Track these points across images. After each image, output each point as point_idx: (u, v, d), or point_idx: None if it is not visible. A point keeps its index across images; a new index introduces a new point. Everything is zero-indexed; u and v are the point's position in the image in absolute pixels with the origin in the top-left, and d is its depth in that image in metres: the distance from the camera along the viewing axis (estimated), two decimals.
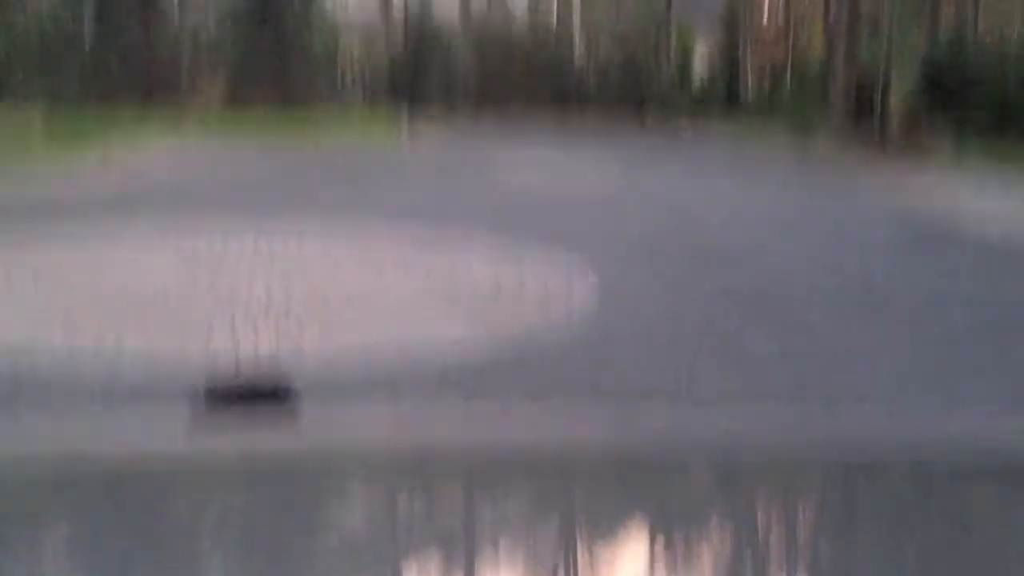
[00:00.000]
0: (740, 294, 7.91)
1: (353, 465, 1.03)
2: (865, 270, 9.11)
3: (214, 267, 8.24)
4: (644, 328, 6.76)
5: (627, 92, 32.81)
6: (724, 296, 7.75)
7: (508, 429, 1.19)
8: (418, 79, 31.47)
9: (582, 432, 1.15)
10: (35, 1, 26.07)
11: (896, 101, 26.38)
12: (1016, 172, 18.02)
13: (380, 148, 21.41)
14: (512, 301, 7.37)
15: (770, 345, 6.36)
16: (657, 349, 6.28)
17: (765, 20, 36.43)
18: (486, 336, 6.35)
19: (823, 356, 6.23)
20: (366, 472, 1.02)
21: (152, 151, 17.94)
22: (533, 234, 10.04)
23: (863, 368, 5.93)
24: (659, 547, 0.87)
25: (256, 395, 1.14)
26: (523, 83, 32.36)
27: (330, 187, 14.91)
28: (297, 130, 22.30)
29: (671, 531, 0.91)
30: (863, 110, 25.76)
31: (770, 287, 8.24)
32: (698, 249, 10.15)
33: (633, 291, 7.87)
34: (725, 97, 32.14)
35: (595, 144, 24.18)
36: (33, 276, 7.75)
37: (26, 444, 0.98)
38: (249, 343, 6.02)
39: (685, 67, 35.15)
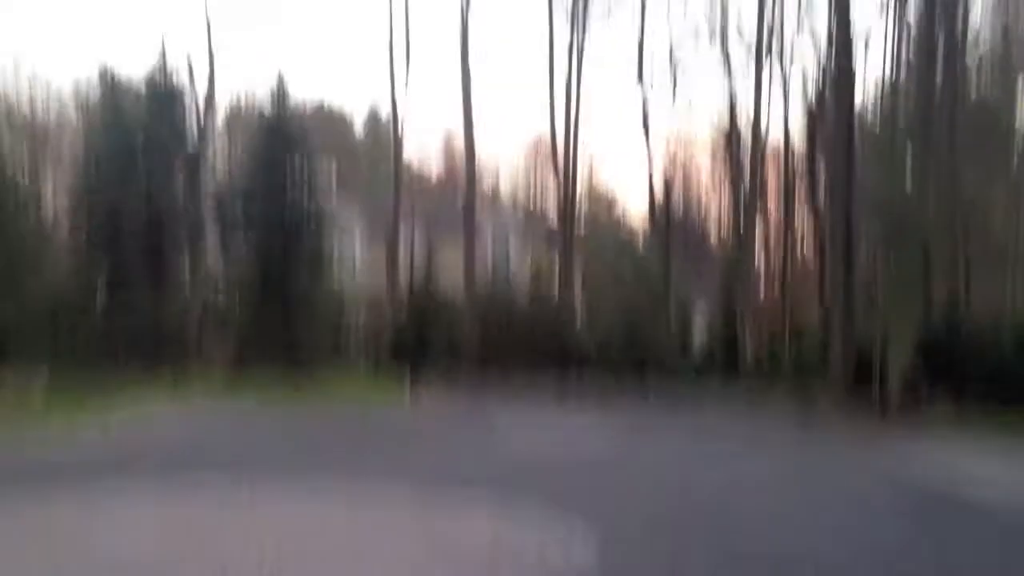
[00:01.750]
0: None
1: None
2: (864, 535, 8.98)
3: (205, 534, 8.08)
4: None
5: (628, 358, 33.25)
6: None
7: None
8: (421, 343, 32.08)
9: None
10: (48, 264, 26.91)
11: (894, 371, 26.69)
12: (1012, 439, 18.16)
13: (383, 409, 21.51)
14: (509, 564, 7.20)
15: None
16: None
17: (762, 292, 37.51)
18: None
19: None
20: None
21: (157, 413, 18.04)
22: (531, 497, 9.93)
23: None
24: None
25: None
26: (525, 349, 32.87)
27: (331, 448, 14.88)
28: (302, 393, 22.48)
29: None
30: (861, 379, 26.02)
31: (768, 551, 8.06)
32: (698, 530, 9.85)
33: (630, 553, 7.71)
34: (724, 364, 32.54)
35: (596, 409, 24.28)
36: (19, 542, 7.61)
37: None
38: None
39: (684, 334, 35.84)
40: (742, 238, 37.55)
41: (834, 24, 29.14)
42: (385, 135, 48.26)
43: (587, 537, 8.11)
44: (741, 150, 38.95)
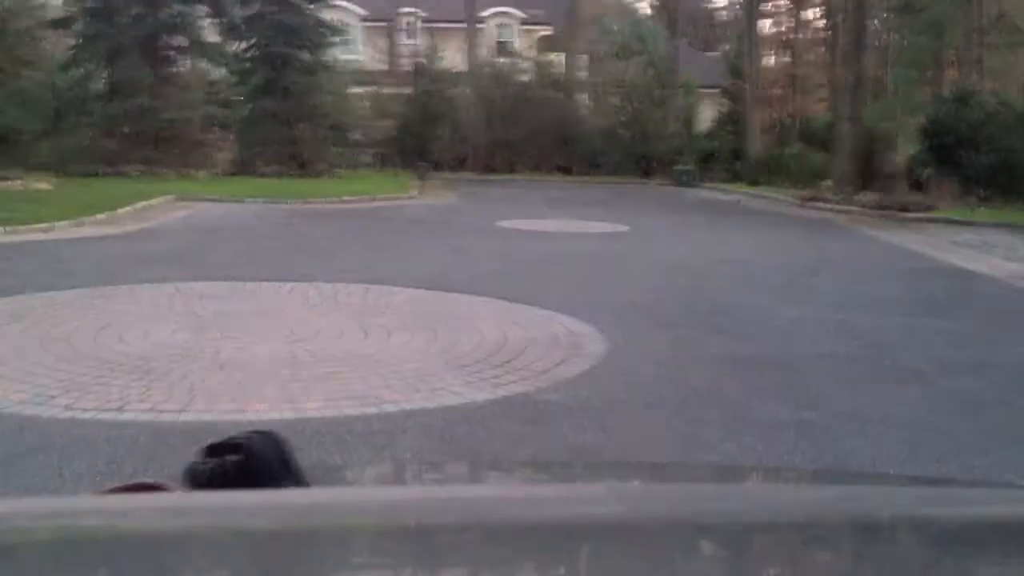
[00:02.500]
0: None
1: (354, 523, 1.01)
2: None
3: (216, 323, 8.24)
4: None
5: (634, 146, 33.03)
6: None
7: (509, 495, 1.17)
8: (427, 137, 31.84)
9: (584, 501, 1.13)
10: (46, 63, 26.27)
11: (901, 158, 26.54)
12: (1012, 226, 18.36)
13: (386, 203, 21.54)
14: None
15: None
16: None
17: (771, 79, 36.71)
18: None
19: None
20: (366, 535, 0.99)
21: (156, 208, 18.11)
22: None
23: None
24: None
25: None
26: (531, 142, 32.61)
27: (334, 238, 15.02)
28: (304, 190, 22.42)
29: None
30: (869, 166, 25.89)
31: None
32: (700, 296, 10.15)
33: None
34: (732, 152, 32.30)
35: (603, 194, 24.45)
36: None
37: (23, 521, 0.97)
38: (252, 407, 5.99)
39: (690, 122, 35.35)
40: (746, 21, 36.46)
41: None
42: None
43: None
44: None
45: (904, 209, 21.35)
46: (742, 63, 34.06)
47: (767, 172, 29.67)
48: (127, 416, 5.74)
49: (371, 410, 6.02)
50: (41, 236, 14.25)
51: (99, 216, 16.14)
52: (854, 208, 22.37)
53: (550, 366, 7.31)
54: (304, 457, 1.30)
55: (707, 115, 36.51)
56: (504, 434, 5.73)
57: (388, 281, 10.70)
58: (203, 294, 9.73)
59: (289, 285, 10.39)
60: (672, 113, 34.51)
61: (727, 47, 46.04)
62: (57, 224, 15.08)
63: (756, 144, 32.09)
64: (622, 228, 17.57)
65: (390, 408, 6.07)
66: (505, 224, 17.46)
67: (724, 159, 32.23)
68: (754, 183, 28.84)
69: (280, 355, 7.29)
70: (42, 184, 20.06)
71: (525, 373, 7.07)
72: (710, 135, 34.64)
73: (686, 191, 28.36)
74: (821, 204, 23.39)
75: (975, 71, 24.83)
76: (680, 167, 30.90)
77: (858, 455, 5.41)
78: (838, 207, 22.73)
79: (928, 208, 21.38)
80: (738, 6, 41.65)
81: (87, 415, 5.74)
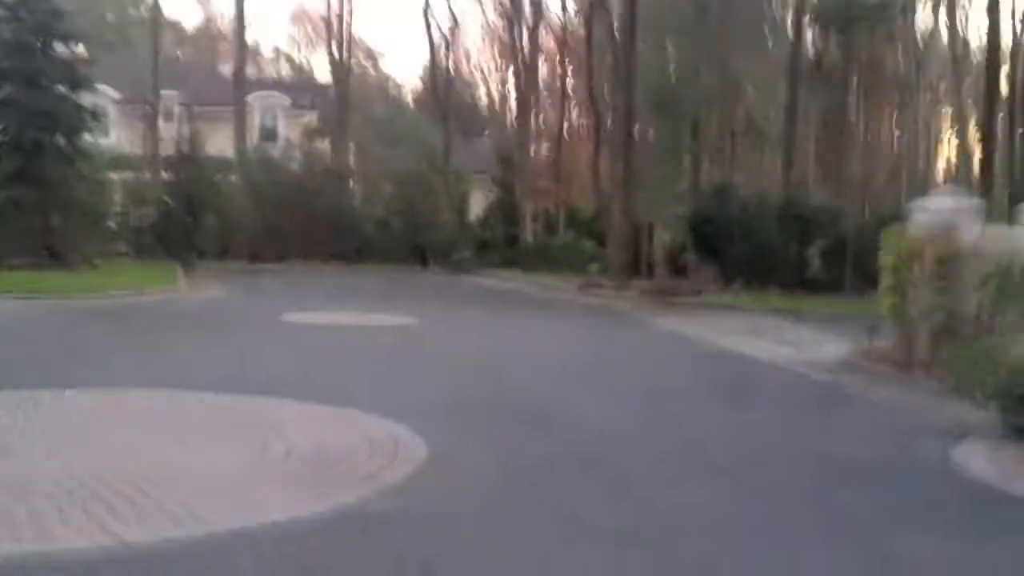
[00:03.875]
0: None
1: None
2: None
3: None
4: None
5: (406, 239, 33.11)
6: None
7: None
8: (192, 228, 30.62)
9: None
10: None
11: (663, 246, 27.95)
12: (776, 310, 19.66)
13: (156, 297, 20.45)
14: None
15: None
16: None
17: (539, 170, 38.02)
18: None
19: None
20: None
21: None
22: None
23: None
24: None
25: None
26: (302, 231, 32.03)
27: (106, 339, 14.02)
28: (63, 284, 20.93)
29: None
30: (637, 253, 27.12)
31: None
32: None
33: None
34: (506, 239, 33.03)
35: (371, 292, 24.16)
36: None
37: None
38: (58, 536, 5.32)
39: (464, 209, 35.93)
40: (518, 115, 37.84)
41: None
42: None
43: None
44: (520, 31, 38.89)
45: (674, 294, 22.43)
46: (512, 154, 35.14)
47: (541, 260, 30.49)
48: None
49: (195, 531, 5.49)
50: None
51: None
52: (629, 293, 23.30)
53: (373, 471, 6.97)
54: None
55: (478, 201, 37.34)
56: (340, 551, 5.36)
57: (176, 385, 9.99)
58: None
59: (68, 393, 9.50)
60: (444, 201, 34.96)
61: (490, 132, 47.62)
62: None
63: (529, 232, 32.99)
64: (410, 320, 17.38)
65: (214, 528, 5.56)
66: (289, 318, 16.89)
67: (498, 246, 32.89)
68: (530, 270, 29.52)
69: (76, 473, 6.57)
70: None
71: (347, 481, 6.70)
72: (484, 222, 35.34)
73: (464, 279, 28.62)
74: (598, 290, 24.23)
75: (729, 166, 26.69)
76: (456, 255, 31.26)
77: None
78: (614, 293, 23.61)
79: (696, 292, 22.57)
80: (510, 97, 43.17)
81: None
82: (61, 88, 26.52)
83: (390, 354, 13.34)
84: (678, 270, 26.33)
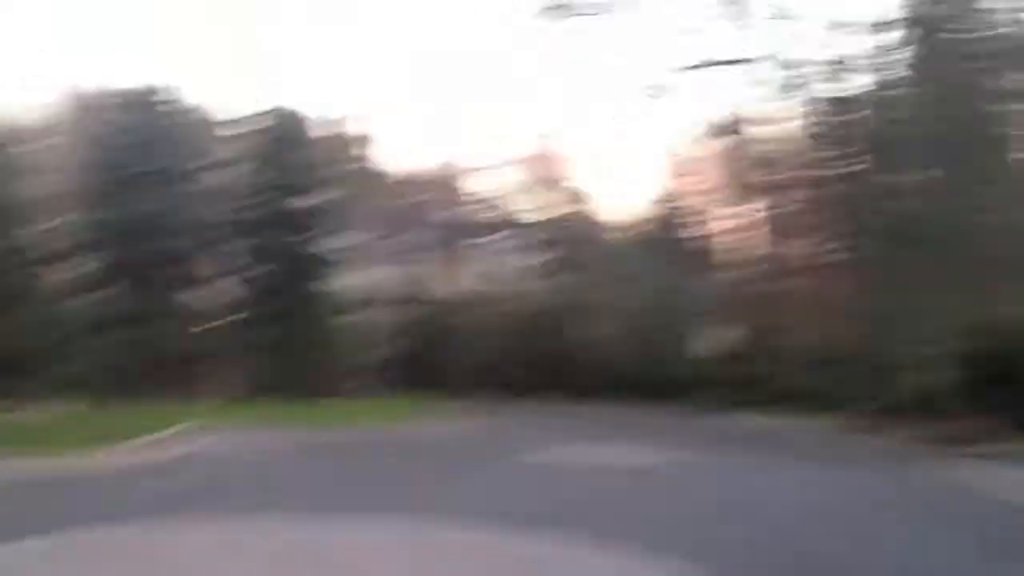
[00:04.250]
0: None
1: None
2: None
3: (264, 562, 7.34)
4: None
5: (644, 373, 32.54)
6: None
7: None
8: (435, 363, 31.29)
9: None
10: (55, 291, 25.91)
11: (914, 388, 25.92)
12: None
13: (408, 433, 20.79)
14: None
15: None
16: None
17: (786, 302, 36.74)
18: None
19: None
20: None
21: (177, 440, 17.30)
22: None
23: None
24: None
25: None
26: (539, 365, 32.17)
27: (365, 474, 14.16)
28: (317, 415, 21.76)
29: None
30: (899, 395, 25.30)
31: None
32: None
33: None
34: (751, 381, 31.69)
35: (616, 426, 23.56)
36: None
37: None
38: None
39: (698, 347, 35.10)
40: (759, 249, 36.95)
41: None
42: (372, 145, 47.65)
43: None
44: (752, 156, 38.32)
45: (965, 441, 20.26)
46: (746, 287, 34.13)
47: (793, 396, 29.02)
48: None
49: None
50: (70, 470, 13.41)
51: (117, 448, 15.36)
52: (897, 437, 21.75)
53: None
54: None
55: (711, 337, 36.32)
56: None
57: (440, 521, 9.79)
58: (244, 536, 8.79)
59: (331, 526, 9.44)
60: (680, 337, 34.31)
61: (724, 266, 46.67)
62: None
63: (766, 368, 31.65)
64: (668, 459, 16.61)
65: None
66: (548, 456, 16.53)
67: (743, 384, 31.43)
68: (770, 410, 28.17)
69: None
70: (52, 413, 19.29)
71: None
72: (720, 358, 34.23)
73: (708, 419, 27.42)
74: (859, 435, 22.77)
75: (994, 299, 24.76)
76: (697, 394, 30.26)
77: None
78: (880, 438, 22.05)
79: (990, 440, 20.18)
80: (740, 230, 42.36)
81: None
82: (313, 233, 28.12)
83: (652, 500, 12.68)
84: (932, 415, 24.09)
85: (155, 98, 27.90)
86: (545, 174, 41.08)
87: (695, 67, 36.31)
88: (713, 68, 35.69)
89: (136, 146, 26.46)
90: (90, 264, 26.21)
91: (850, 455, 19.42)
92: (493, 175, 52.54)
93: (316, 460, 15.86)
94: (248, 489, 12.30)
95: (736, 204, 44.38)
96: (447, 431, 21.42)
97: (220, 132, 33.38)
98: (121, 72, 68.81)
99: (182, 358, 25.39)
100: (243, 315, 27.79)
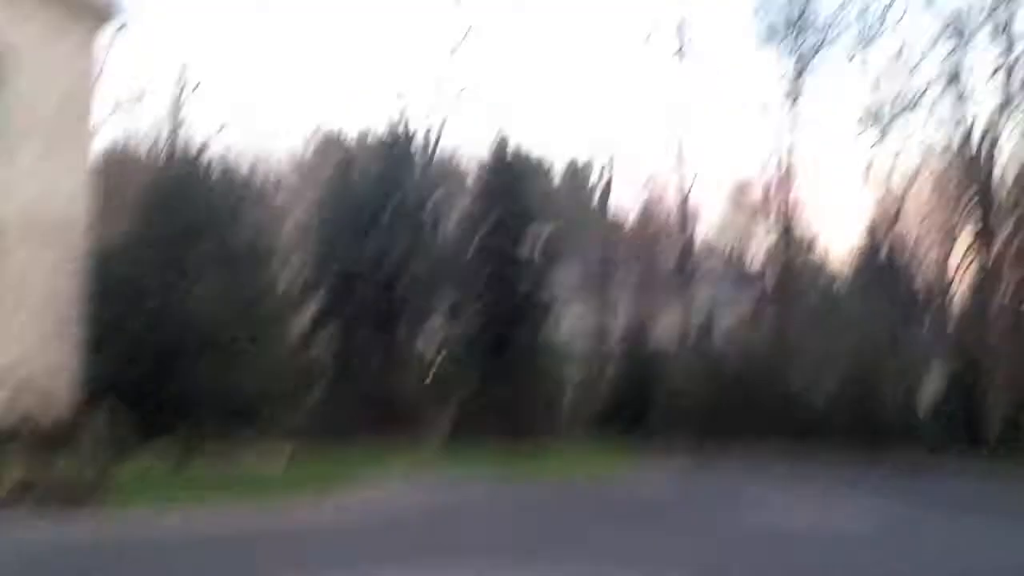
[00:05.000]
0: None
1: None
2: None
3: None
4: None
5: (857, 422, 31.43)
6: None
7: None
8: (641, 410, 31.33)
9: None
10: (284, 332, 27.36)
11: None
12: None
13: (623, 484, 20.97)
14: None
15: None
16: None
17: (1010, 350, 34.85)
18: None
19: None
20: None
21: (398, 487, 18.08)
22: None
23: None
24: None
25: None
26: (745, 412, 31.64)
27: (586, 528, 14.29)
28: (531, 463, 22.20)
29: None
30: None
31: None
32: None
33: None
34: (965, 431, 30.08)
35: (837, 482, 22.83)
36: None
37: None
38: None
39: (912, 395, 33.61)
40: (980, 283, 35.15)
41: None
42: (588, 187, 48.17)
43: None
44: (972, 183, 36.59)
45: None
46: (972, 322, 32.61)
47: (1013, 443, 27.35)
48: None
49: None
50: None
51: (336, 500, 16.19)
52: None
53: None
54: None
55: (928, 388, 34.69)
56: None
57: None
58: None
59: None
60: (894, 387, 33.00)
61: (939, 306, 44.44)
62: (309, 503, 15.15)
63: (997, 414, 29.90)
64: (894, 525, 15.95)
65: None
66: (763, 517, 16.24)
67: (959, 434, 29.95)
68: (1001, 457, 26.58)
69: None
70: (270, 462, 20.21)
71: None
72: (940, 411, 32.54)
73: (938, 476, 25.86)
74: None
75: None
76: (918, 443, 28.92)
77: None
78: None
79: None
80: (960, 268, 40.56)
81: None
82: (535, 273, 28.82)
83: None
84: None
85: (401, 141, 29.29)
86: (765, 212, 40.41)
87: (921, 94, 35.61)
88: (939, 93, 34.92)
89: (380, 190, 27.88)
90: (317, 307, 27.64)
91: None
92: (713, 214, 52.24)
93: (530, 512, 16.21)
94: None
95: (963, 236, 42.35)
96: (663, 486, 21.41)
97: (452, 171, 34.91)
98: (361, 114, 73.12)
99: (402, 403, 26.44)
100: (461, 358, 28.66)
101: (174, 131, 30.25)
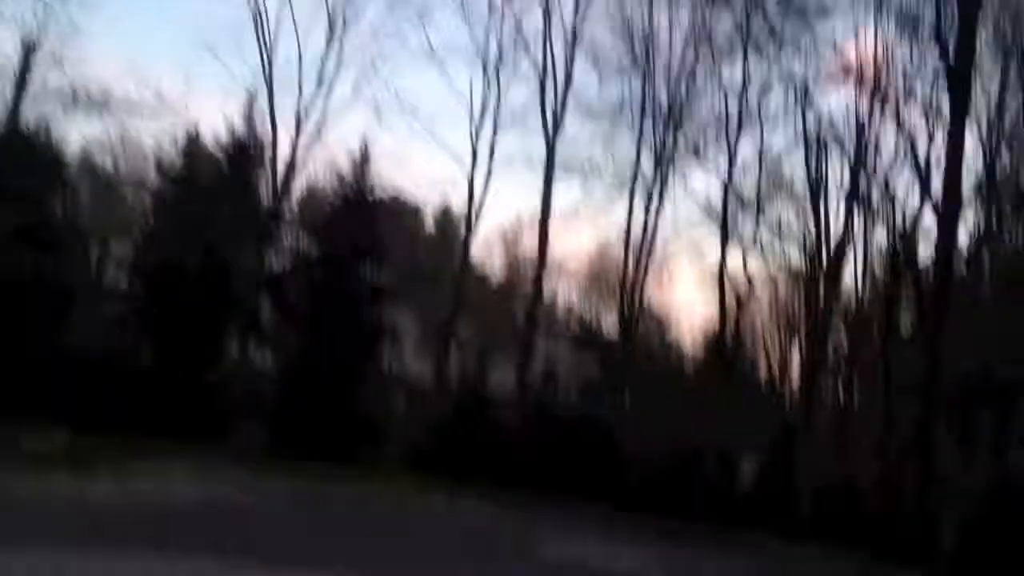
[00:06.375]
0: None
1: None
2: None
3: None
4: None
5: (674, 496, 31.72)
6: None
7: None
8: (471, 452, 30.78)
9: None
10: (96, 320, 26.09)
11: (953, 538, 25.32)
12: None
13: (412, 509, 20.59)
14: None
15: None
16: None
17: (822, 441, 36.00)
18: None
19: None
20: None
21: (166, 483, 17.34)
22: None
23: None
24: None
25: None
26: (572, 471, 31.56)
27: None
28: (328, 481, 21.62)
29: None
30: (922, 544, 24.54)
31: None
32: None
33: None
34: (779, 512, 30.82)
35: (641, 538, 22.75)
36: None
37: None
38: None
39: (732, 479, 34.26)
40: (806, 395, 36.41)
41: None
42: (453, 232, 48.16)
43: None
44: (814, 298, 37.99)
45: None
46: (795, 421, 33.63)
47: (817, 533, 28.19)
48: None
49: None
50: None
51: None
52: None
53: None
54: None
55: (746, 472, 35.52)
56: None
57: None
58: None
59: None
60: (715, 466, 33.58)
61: (769, 402, 45.91)
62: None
63: (806, 502, 30.84)
64: None
65: None
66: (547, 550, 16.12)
67: (770, 515, 30.66)
68: (803, 541, 27.23)
69: None
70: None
71: None
72: (755, 493, 33.35)
73: (742, 548, 26.36)
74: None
75: None
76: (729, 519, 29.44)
77: None
78: None
79: None
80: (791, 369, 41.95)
81: None
82: (367, 307, 28.36)
83: None
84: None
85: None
86: (621, 284, 40.85)
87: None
88: None
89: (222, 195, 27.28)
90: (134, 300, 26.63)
91: None
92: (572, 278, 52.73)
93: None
94: None
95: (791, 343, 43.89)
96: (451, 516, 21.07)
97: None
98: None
99: (209, 411, 25.44)
100: (285, 375, 27.83)
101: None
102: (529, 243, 40.93)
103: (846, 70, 36.48)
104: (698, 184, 41.86)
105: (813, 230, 37.44)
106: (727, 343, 40.31)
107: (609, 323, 48.02)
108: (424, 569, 12.57)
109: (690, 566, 17.03)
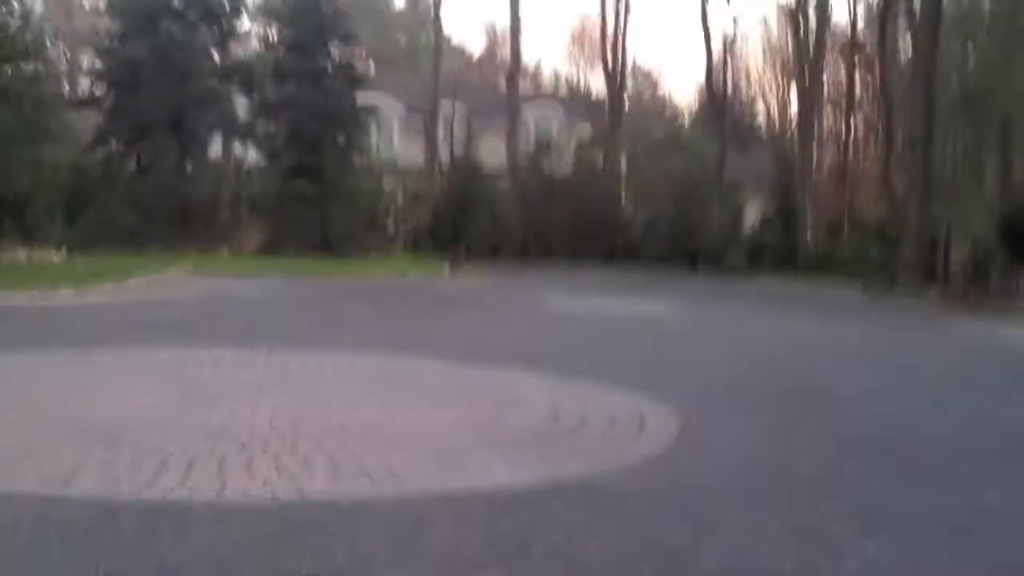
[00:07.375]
0: None
1: None
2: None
3: (209, 391, 7.00)
4: None
5: (676, 244, 31.76)
6: None
7: None
8: (462, 223, 30.51)
9: None
10: (68, 132, 25.17)
11: (961, 254, 25.37)
12: None
13: (412, 282, 20.56)
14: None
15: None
16: None
17: (823, 175, 35.75)
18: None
19: None
20: None
21: (168, 281, 17.18)
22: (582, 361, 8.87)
23: None
24: None
25: None
26: (569, 227, 31.47)
27: (358, 312, 13.83)
28: (330, 268, 21.49)
29: None
30: (930, 263, 24.68)
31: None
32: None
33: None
34: (782, 251, 30.97)
35: (638, 288, 22.84)
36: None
37: None
38: (236, 484, 4.65)
39: (736, 223, 34.20)
40: (801, 125, 35.74)
41: None
42: (425, 10, 46.21)
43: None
44: (804, 31, 36.68)
45: (982, 300, 20.29)
46: (793, 160, 33.16)
47: (823, 267, 28.36)
48: (74, 492, 4.41)
49: (388, 492, 4.64)
50: (41, 303, 13.24)
51: (106, 286, 15.15)
52: (925, 297, 21.37)
53: (614, 445, 5.94)
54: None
55: (752, 213, 35.45)
56: (558, 523, 4.30)
57: (420, 354, 9.42)
58: (200, 361, 8.46)
59: (299, 355, 9.09)
60: (717, 209, 33.39)
61: (769, 140, 45.38)
62: (60, 291, 14.10)
63: (809, 239, 30.91)
64: (672, 311, 16.26)
65: (413, 489, 4.69)
66: (544, 306, 16.19)
67: (775, 254, 30.91)
68: (810, 278, 27.41)
69: (281, 425, 5.95)
70: (49, 257, 19.19)
71: (580, 453, 5.69)
72: (760, 229, 33.53)
73: (735, 283, 26.75)
74: (890, 295, 22.36)
75: None
76: (728, 261, 29.71)
77: None
78: (909, 298, 21.61)
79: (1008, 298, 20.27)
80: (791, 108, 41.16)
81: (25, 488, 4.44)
82: (340, 87, 27.31)
83: (649, 339, 12.25)
84: (977, 280, 23.59)
85: None
86: (594, 50, 39.40)
87: None
88: None
89: None
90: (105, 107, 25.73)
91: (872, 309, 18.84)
92: (544, 52, 50.85)
93: (313, 303, 15.55)
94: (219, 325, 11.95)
95: (789, 82, 42.79)
96: (462, 285, 21.02)
97: None
98: None
99: (200, 213, 24.98)
100: (272, 169, 27.17)
101: None
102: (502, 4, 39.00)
103: None
104: None
105: None
106: (719, 89, 39.23)
107: (597, 85, 46.86)
108: (426, 317, 12.76)
109: (696, 311, 17.08)
